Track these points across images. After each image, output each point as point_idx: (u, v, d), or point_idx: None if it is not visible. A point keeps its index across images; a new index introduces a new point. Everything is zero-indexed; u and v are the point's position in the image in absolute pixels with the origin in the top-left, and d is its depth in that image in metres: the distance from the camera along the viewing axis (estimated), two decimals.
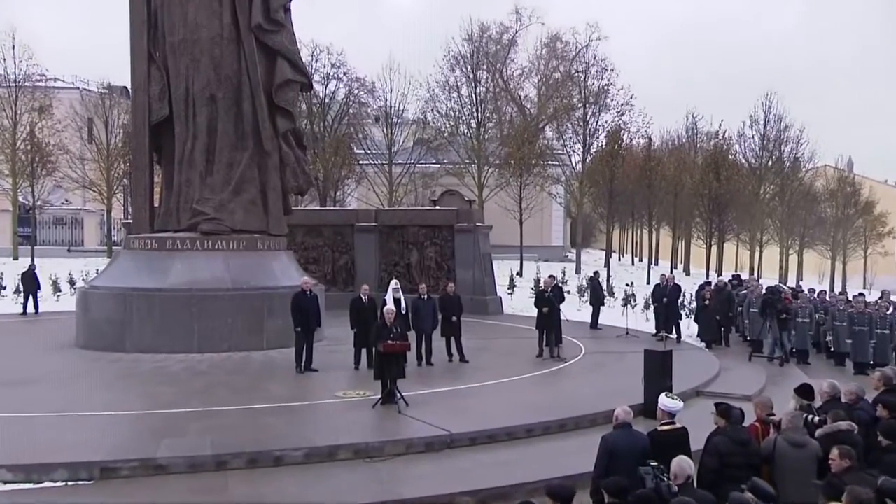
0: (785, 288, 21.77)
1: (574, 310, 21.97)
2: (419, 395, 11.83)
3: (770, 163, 47.02)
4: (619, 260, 55.91)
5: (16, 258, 37.00)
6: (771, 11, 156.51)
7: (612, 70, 42.51)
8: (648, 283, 34.05)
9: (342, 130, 41.63)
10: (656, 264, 46.71)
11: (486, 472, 8.95)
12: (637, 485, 5.98)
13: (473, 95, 41.78)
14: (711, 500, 5.89)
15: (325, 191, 39.36)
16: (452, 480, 8.64)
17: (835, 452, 6.10)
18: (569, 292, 22.72)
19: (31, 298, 23.11)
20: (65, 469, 8.45)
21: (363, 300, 14.42)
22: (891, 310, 18.09)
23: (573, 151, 43.11)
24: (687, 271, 46.38)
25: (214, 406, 11.21)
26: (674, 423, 7.12)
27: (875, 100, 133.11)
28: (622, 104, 41.61)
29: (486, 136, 42.37)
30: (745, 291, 21.04)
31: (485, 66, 43.61)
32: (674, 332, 19.16)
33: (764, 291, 18.98)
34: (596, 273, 23.80)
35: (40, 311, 23.09)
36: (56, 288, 26.66)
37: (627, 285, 24.31)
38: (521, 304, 25.57)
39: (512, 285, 29.51)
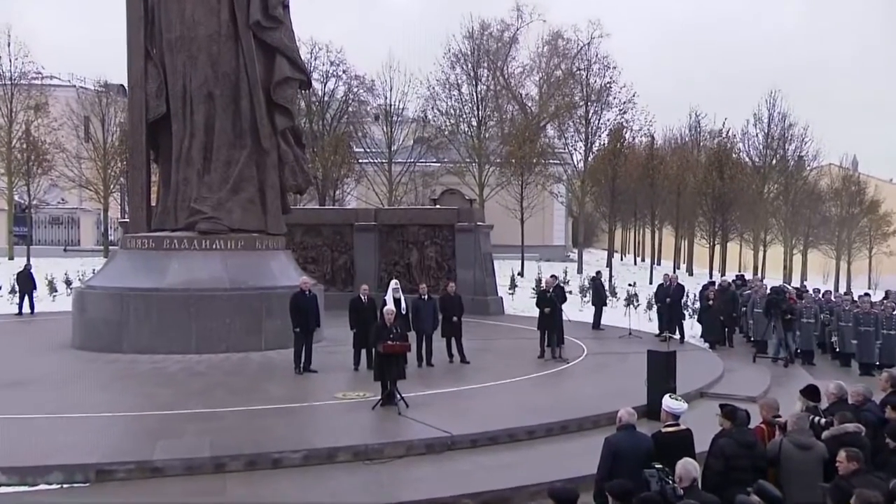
0: (789, 288, 21.68)
1: (576, 310, 21.93)
2: (419, 396, 11.76)
3: (774, 161, 46.90)
4: (622, 260, 55.84)
5: (11, 258, 36.86)
6: (771, 11, 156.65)
7: (615, 68, 42.48)
8: (651, 283, 33.98)
9: (341, 129, 41.53)
10: (659, 264, 46.66)
11: (487, 474, 8.88)
12: (641, 487, 5.94)
13: (474, 93, 41.68)
14: None
15: (325, 190, 39.28)
16: (453, 483, 8.58)
17: (842, 455, 6.06)
18: (571, 292, 22.68)
19: (26, 298, 23.01)
20: (60, 471, 8.39)
21: (363, 300, 14.32)
22: None
23: (575, 150, 43.16)
24: (690, 271, 46.28)
25: (212, 407, 11.14)
26: (678, 424, 7.07)
27: (878, 99, 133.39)
28: (624, 102, 41.65)
29: (487, 135, 42.27)
30: (749, 291, 20.94)
31: (485, 64, 43.51)
32: (677, 332, 19.04)
33: (768, 291, 18.89)
34: (598, 273, 23.73)
35: (36, 311, 23.01)
36: (52, 288, 26.55)
37: (630, 285, 24.24)
38: (522, 304, 25.54)
39: (513, 285, 29.46)
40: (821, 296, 20.48)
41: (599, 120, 41.43)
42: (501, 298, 24.97)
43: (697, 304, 21.61)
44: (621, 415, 7.10)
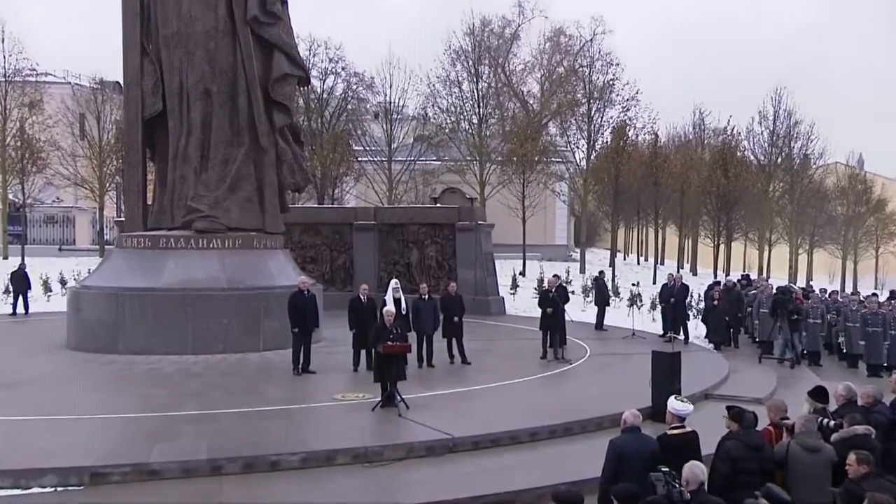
0: (796, 288, 21.53)
1: (579, 310, 21.88)
2: (420, 397, 11.70)
3: (779, 159, 46.70)
4: (625, 259, 55.79)
5: (5, 257, 36.78)
6: (771, 11, 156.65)
7: (618, 64, 42.29)
8: (655, 283, 33.87)
9: (340, 126, 41.44)
10: (662, 264, 46.49)
11: (489, 477, 8.83)
12: (647, 491, 5.90)
13: (475, 91, 41.48)
14: None
15: (323, 188, 39.19)
16: (455, 486, 8.57)
17: (852, 458, 6.01)
18: (573, 292, 22.51)
19: (20, 298, 22.92)
20: (54, 474, 8.33)
21: (362, 300, 14.23)
22: None
23: (577, 148, 42.99)
24: (694, 271, 46.20)
25: (209, 409, 11.09)
26: (684, 426, 7.06)
27: (883, 98, 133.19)
28: (628, 99, 41.41)
29: (488, 133, 42.09)
30: (754, 291, 20.82)
31: (487, 61, 43.40)
32: (681, 333, 18.91)
33: (774, 291, 18.77)
34: (601, 272, 23.58)
35: (30, 311, 22.94)
36: (47, 288, 26.49)
37: (633, 285, 24.07)
38: (523, 304, 25.54)
39: (514, 285, 29.37)
40: (827, 296, 20.35)
41: (602, 117, 41.26)
42: (503, 298, 24.91)
43: (702, 305, 21.48)
44: (626, 417, 7.06)
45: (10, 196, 38.78)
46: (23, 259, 29.53)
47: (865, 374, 16.39)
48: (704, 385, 13.28)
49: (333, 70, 41.48)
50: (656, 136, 44.83)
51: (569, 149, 43.45)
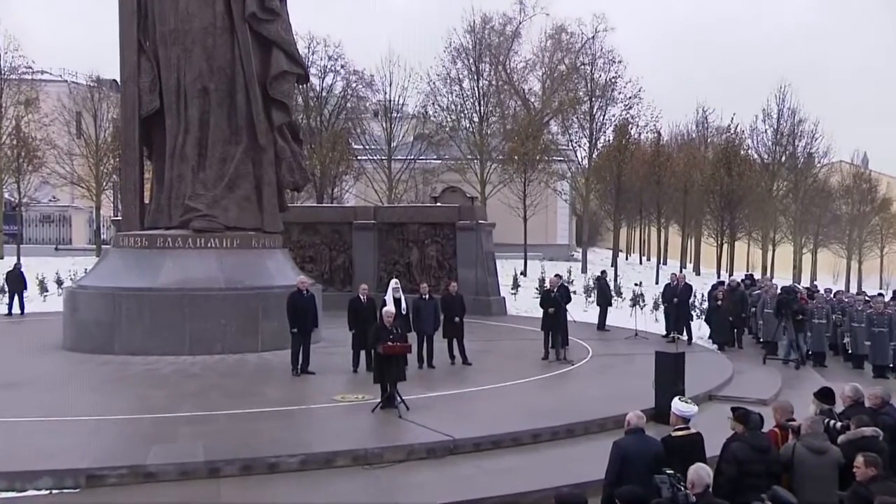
0: (800, 288, 21.44)
1: (581, 310, 21.86)
2: (420, 398, 11.65)
3: (783, 158, 46.55)
4: (627, 259, 55.72)
5: (1, 257, 36.64)
6: (771, 11, 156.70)
7: (620, 62, 42.19)
8: (657, 283, 33.78)
9: (340, 125, 41.45)
10: (665, 263, 46.40)
11: (490, 479, 8.78)
12: (652, 493, 5.89)
13: (476, 89, 41.36)
14: None
15: (323, 187, 39.18)
16: (455, 488, 8.52)
17: (860, 460, 5.98)
18: (575, 292, 22.53)
19: (16, 298, 22.88)
20: (50, 477, 8.28)
21: (362, 300, 14.18)
22: None
23: (579, 146, 42.81)
24: (697, 270, 46.16)
25: (207, 410, 11.04)
26: (688, 428, 7.03)
27: (883, 98, 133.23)
28: (630, 97, 41.28)
29: (489, 131, 42.03)
30: (758, 291, 20.78)
31: (487, 59, 43.25)
32: (684, 333, 18.83)
33: (779, 291, 18.69)
34: (603, 272, 23.53)
35: (26, 311, 22.89)
36: (43, 288, 26.48)
37: (636, 285, 24.04)
38: (525, 304, 25.55)
39: (516, 285, 29.36)
40: (832, 296, 20.28)
41: (604, 116, 41.15)
42: (504, 298, 24.88)
43: (705, 305, 21.42)
44: (629, 418, 7.00)
45: (6, 195, 38.71)
46: (18, 259, 29.59)
47: (871, 375, 16.34)
48: (708, 386, 13.25)
49: (333, 68, 41.45)
50: (659, 134, 44.82)
51: (570, 147, 43.32)
